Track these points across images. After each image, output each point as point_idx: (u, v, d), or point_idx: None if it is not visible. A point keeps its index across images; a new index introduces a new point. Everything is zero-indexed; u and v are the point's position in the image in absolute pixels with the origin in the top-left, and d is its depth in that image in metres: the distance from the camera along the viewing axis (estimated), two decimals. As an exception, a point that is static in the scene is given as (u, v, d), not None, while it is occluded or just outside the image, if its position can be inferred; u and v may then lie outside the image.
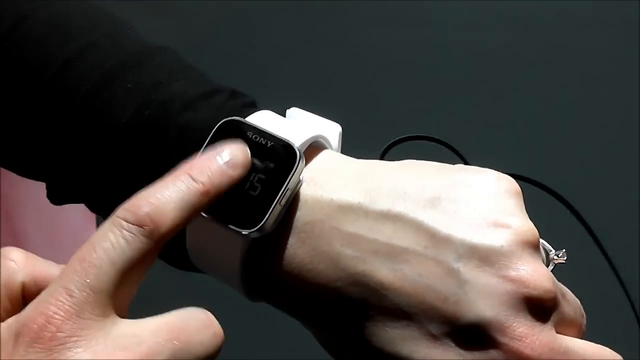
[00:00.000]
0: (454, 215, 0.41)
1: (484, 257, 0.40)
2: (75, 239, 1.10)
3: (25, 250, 0.37)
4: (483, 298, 0.40)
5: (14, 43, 0.47)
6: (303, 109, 0.46)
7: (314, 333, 0.44)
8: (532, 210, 0.43)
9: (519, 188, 0.43)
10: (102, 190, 0.46)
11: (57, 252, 1.13)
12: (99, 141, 0.45)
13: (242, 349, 1.03)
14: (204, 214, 0.41)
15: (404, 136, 0.45)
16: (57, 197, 0.48)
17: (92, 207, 0.47)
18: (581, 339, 0.42)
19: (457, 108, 0.95)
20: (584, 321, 0.43)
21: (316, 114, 0.46)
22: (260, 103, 0.46)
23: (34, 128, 0.47)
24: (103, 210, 0.47)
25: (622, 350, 0.42)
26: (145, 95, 0.45)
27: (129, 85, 0.45)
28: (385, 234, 0.41)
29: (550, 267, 0.44)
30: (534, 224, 0.42)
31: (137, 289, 0.37)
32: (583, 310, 0.43)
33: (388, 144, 0.45)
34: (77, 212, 1.09)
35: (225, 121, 0.43)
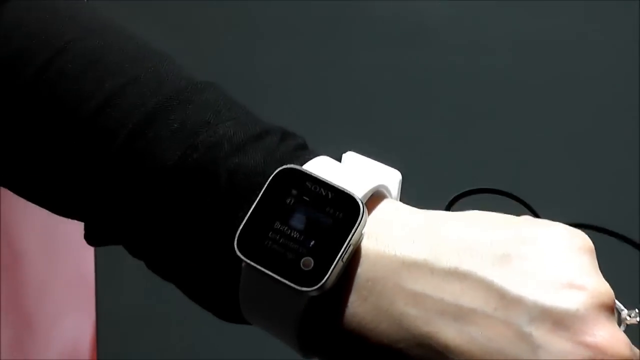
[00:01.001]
0: (525, 275, 0.39)
1: (558, 320, 0.38)
2: (75, 259, 1.08)
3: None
4: None
5: (49, 78, 0.44)
6: (359, 153, 0.44)
7: None
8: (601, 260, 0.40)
9: (592, 244, 0.40)
10: (144, 235, 0.43)
11: (56, 271, 1.10)
12: (143, 184, 0.42)
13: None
14: (261, 268, 0.39)
15: (471, 189, 0.43)
16: (96, 238, 0.45)
17: (132, 251, 0.44)
18: None
19: (521, 156, 0.92)
20: None
21: (373, 158, 0.44)
22: (311, 145, 0.44)
23: (71, 168, 0.44)
24: (145, 255, 0.44)
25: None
26: (192, 137, 0.42)
27: (174, 125, 0.42)
28: (452, 293, 0.39)
29: (622, 328, 0.41)
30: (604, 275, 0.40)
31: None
32: None
33: (454, 196, 0.42)
34: (77, 233, 1.06)
35: (283, 169, 0.40)
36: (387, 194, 0.42)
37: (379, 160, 0.44)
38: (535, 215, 0.43)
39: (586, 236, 0.41)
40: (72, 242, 1.10)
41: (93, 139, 0.43)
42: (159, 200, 0.42)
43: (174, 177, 0.42)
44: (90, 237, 0.45)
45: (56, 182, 0.44)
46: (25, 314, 1.11)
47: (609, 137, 0.91)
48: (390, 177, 0.43)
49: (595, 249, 0.40)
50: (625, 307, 0.42)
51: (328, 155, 0.43)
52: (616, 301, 0.41)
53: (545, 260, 0.39)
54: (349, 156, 0.44)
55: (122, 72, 0.44)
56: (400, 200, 0.43)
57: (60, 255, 1.10)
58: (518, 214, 0.42)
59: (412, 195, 0.43)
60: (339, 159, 0.43)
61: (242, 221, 0.40)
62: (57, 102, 0.43)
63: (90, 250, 1.03)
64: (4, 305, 1.10)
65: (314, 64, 0.96)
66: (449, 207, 0.44)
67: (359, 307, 0.39)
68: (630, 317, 0.42)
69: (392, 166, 0.43)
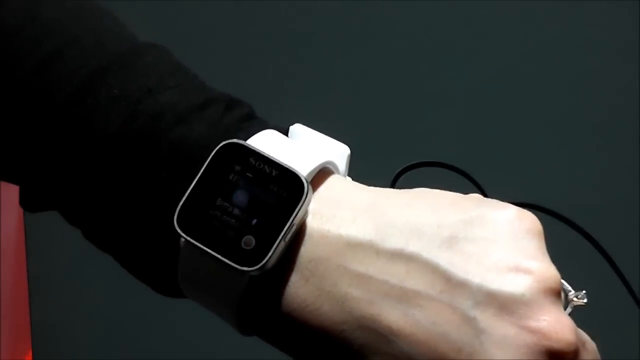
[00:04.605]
0: (471, 258, 0.38)
1: (503, 305, 0.37)
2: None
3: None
4: (500, 349, 0.37)
5: None
6: (307, 124, 0.42)
7: None
8: (549, 242, 0.40)
9: (541, 227, 0.40)
10: (82, 204, 0.42)
11: None
12: (81, 152, 0.41)
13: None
14: (200, 245, 0.38)
15: (416, 162, 0.41)
16: (32, 204, 0.44)
17: (69, 219, 0.43)
18: None
19: (472, 132, 0.90)
20: None
21: (320, 130, 0.42)
22: (259, 114, 0.42)
23: (5, 130, 0.42)
24: (82, 225, 0.43)
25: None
26: (133, 105, 0.40)
27: (114, 91, 0.41)
28: (398, 275, 0.38)
29: (569, 310, 0.41)
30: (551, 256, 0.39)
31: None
32: (599, 355, 0.41)
33: (399, 170, 0.41)
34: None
35: (226, 144, 0.39)
36: (335, 170, 0.41)
37: (326, 133, 0.42)
38: (481, 190, 0.42)
39: (535, 218, 0.40)
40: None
41: (29, 103, 0.41)
42: (97, 169, 0.40)
43: (113, 146, 0.40)
44: (26, 203, 0.44)
45: None
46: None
47: (561, 116, 0.91)
48: (338, 152, 0.41)
49: (545, 230, 0.40)
50: (572, 289, 0.41)
51: (276, 124, 0.42)
52: (563, 282, 0.40)
53: (492, 243, 0.38)
54: (297, 129, 0.42)
55: (60, 32, 0.42)
56: (348, 175, 0.42)
57: None
58: (465, 191, 0.41)
59: (359, 168, 0.42)
60: (287, 129, 0.42)
61: (182, 196, 0.39)
62: None
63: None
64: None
65: (273, 35, 0.94)
66: (395, 180, 0.42)
67: (300, 288, 0.38)
68: (577, 298, 0.41)
69: (339, 139, 0.42)
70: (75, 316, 1.03)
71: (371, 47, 0.92)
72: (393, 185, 0.43)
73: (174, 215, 0.38)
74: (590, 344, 0.40)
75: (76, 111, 0.40)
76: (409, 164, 0.42)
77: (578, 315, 0.40)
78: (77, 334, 1.03)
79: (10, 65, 0.41)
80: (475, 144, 0.90)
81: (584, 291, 0.41)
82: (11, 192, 0.97)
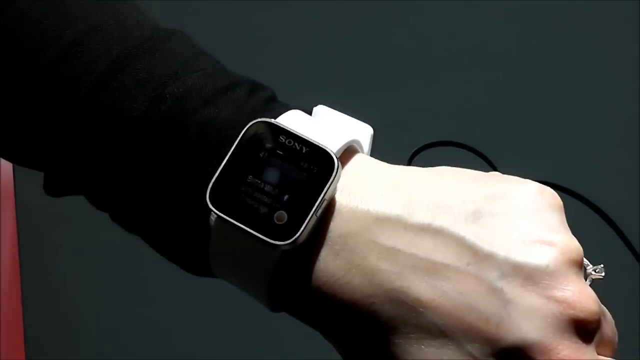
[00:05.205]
0: (496, 231, 0.39)
1: (529, 276, 0.38)
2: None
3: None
4: (527, 319, 0.38)
5: (6, 23, 0.42)
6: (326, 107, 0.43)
7: (339, 349, 0.41)
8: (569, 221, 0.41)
9: (561, 202, 0.41)
10: (109, 187, 0.42)
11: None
12: (108, 135, 0.41)
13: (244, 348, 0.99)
14: (233, 221, 0.38)
15: (433, 142, 0.42)
16: (56, 189, 0.44)
17: (96, 203, 0.43)
18: (614, 357, 0.41)
19: (486, 112, 0.91)
20: (617, 339, 0.42)
21: (340, 111, 0.43)
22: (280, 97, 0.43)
23: (30, 117, 0.42)
24: (110, 208, 0.43)
25: None
26: (159, 88, 0.41)
27: (141, 75, 0.41)
28: (425, 248, 0.39)
29: (588, 283, 0.42)
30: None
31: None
32: (615, 327, 0.42)
33: (415, 149, 0.42)
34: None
35: (256, 123, 0.40)
36: (359, 149, 0.42)
37: (347, 114, 0.43)
38: (494, 169, 0.44)
39: (555, 193, 0.41)
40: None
41: (53, 89, 0.41)
42: (125, 152, 0.41)
43: (140, 128, 0.41)
44: (50, 188, 0.44)
45: (15, 132, 0.43)
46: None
47: (575, 98, 0.92)
48: (362, 132, 0.43)
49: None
50: (590, 263, 0.42)
51: (297, 108, 0.43)
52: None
53: (515, 217, 0.39)
54: (321, 109, 0.43)
55: (84, 18, 0.42)
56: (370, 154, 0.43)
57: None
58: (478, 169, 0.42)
59: (376, 147, 0.43)
60: (309, 113, 0.43)
61: (212, 175, 0.39)
62: (15, 49, 0.42)
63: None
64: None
65: (282, 19, 0.94)
66: (410, 161, 0.44)
67: (330, 262, 0.39)
68: (595, 272, 0.42)
69: (358, 118, 0.43)
70: (69, 326, 1.02)
71: (385, 28, 0.92)
72: (409, 163, 0.44)
73: (205, 194, 0.39)
74: (609, 316, 0.41)
75: (103, 95, 0.41)
76: (425, 143, 0.43)
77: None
78: (71, 344, 1.03)
79: (33, 53, 0.42)
80: (489, 125, 0.91)
81: (601, 265, 0.42)
82: (7, 202, 0.97)
